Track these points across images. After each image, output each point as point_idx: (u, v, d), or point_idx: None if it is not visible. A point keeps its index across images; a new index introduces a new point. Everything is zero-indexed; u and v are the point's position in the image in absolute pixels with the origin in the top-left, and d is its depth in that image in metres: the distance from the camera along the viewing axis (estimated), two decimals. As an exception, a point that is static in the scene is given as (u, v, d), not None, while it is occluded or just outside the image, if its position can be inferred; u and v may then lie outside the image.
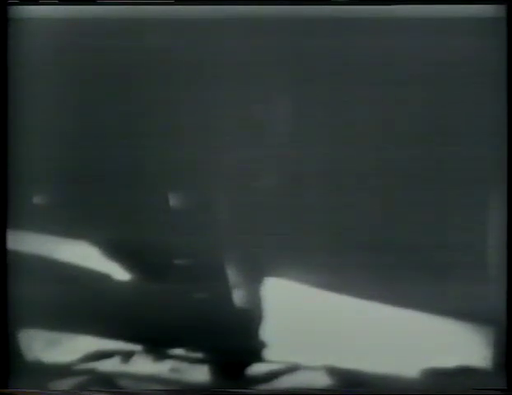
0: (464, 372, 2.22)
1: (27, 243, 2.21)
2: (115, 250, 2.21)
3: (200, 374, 2.22)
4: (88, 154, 2.21)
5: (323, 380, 2.22)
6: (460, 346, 2.22)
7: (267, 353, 2.22)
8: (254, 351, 2.22)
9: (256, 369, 2.22)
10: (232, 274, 2.22)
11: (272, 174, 2.22)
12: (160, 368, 2.21)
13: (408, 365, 2.22)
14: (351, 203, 2.20)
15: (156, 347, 2.21)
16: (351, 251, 2.20)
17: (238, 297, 2.22)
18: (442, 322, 2.21)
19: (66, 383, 2.23)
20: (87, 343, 2.21)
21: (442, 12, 2.22)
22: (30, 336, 2.22)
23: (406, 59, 2.22)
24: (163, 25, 2.22)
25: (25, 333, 2.22)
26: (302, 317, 2.21)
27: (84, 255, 2.21)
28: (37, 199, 2.22)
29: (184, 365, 2.22)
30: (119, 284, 2.21)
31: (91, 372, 2.22)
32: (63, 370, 2.22)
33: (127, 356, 2.22)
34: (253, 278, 2.22)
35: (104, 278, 2.21)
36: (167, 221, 2.20)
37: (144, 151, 2.22)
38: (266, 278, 2.21)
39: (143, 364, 2.22)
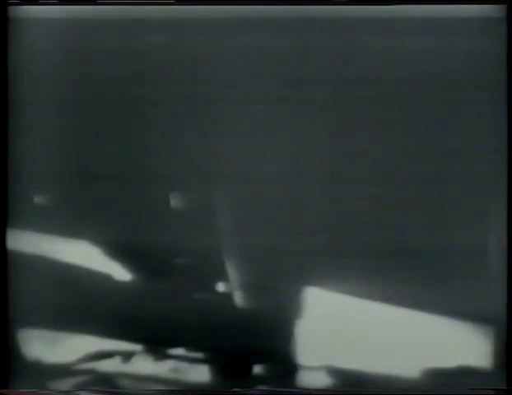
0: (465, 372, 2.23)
1: (27, 242, 2.22)
2: (115, 250, 2.21)
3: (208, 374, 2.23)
4: (88, 153, 2.22)
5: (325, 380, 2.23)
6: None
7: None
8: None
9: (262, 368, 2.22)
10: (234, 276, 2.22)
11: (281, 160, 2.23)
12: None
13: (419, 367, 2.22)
14: None
15: (157, 348, 2.22)
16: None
17: (239, 299, 2.22)
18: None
19: (66, 383, 2.23)
20: (87, 343, 2.21)
21: (442, 12, 2.22)
22: (30, 335, 2.22)
23: (405, 59, 2.22)
24: (163, 25, 2.22)
25: (26, 333, 2.22)
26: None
27: (84, 254, 2.22)
28: (37, 198, 2.22)
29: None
30: (119, 283, 2.21)
31: (91, 372, 2.22)
32: (63, 370, 2.22)
33: (129, 356, 2.22)
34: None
35: (104, 277, 2.21)
36: (168, 221, 2.21)
37: (144, 150, 2.22)
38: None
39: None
